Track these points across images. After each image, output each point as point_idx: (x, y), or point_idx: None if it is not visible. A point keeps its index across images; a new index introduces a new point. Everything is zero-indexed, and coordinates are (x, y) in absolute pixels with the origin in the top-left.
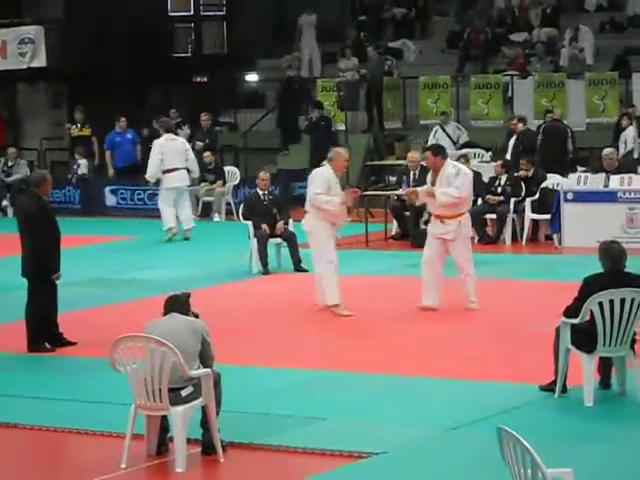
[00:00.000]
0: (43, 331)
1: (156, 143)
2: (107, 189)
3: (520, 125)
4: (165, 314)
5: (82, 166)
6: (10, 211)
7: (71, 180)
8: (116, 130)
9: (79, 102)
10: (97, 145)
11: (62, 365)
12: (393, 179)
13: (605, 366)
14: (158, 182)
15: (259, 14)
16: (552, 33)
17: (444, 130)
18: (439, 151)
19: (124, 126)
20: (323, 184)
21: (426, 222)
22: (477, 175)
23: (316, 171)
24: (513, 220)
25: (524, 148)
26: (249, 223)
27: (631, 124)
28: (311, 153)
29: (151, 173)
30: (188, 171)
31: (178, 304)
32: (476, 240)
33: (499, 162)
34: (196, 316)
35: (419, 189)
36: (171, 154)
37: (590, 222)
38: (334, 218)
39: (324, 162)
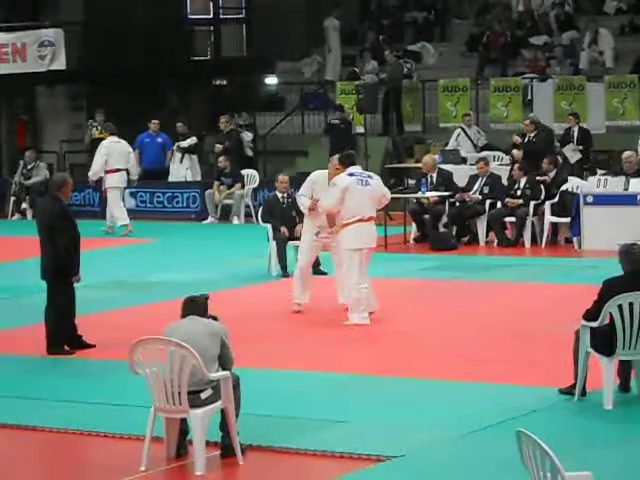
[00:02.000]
0: (62, 334)
1: (102, 145)
2: (127, 192)
3: (532, 128)
4: (183, 316)
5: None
6: (29, 213)
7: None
8: (148, 132)
9: (99, 105)
10: None
11: (81, 368)
12: (412, 182)
13: (625, 369)
14: (98, 181)
15: (278, 17)
16: (572, 36)
17: (466, 133)
18: (342, 161)
19: (156, 129)
20: (307, 185)
21: (445, 225)
22: (497, 178)
23: (312, 173)
24: (532, 223)
25: (531, 151)
26: (268, 226)
27: None
28: (330, 155)
29: (94, 172)
30: (128, 172)
31: (196, 306)
32: (495, 243)
33: (516, 165)
34: (214, 319)
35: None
36: (116, 155)
37: (610, 225)
38: (316, 219)
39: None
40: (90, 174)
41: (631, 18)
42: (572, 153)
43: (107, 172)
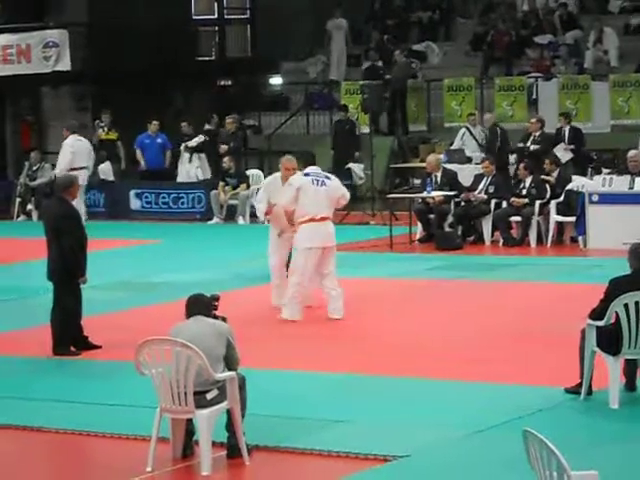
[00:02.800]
0: (69, 335)
1: (67, 143)
2: (132, 192)
3: (538, 127)
4: (188, 316)
5: (104, 171)
6: (35, 215)
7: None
8: (147, 132)
9: (104, 106)
10: (123, 149)
11: (87, 369)
12: (417, 182)
13: (630, 368)
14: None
15: (283, 17)
16: (576, 35)
17: (471, 132)
18: (298, 160)
19: (155, 129)
20: (262, 190)
21: (451, 225)
22: (502, 177)
23: (266, 178)
24: (538, 222)
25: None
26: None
27: None
28: (334, 155)
29: (62, 168)
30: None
31: (200, 305)
32: (501, 243)
33: (522, 165)
34: (224, 320)
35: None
36: (79, 153)
37: (615, 224)
38: (274, 222)
39: (349, 164)
40: (57, 172)
41: (635, 17)
42: (563, 153)
43: (71, 170)
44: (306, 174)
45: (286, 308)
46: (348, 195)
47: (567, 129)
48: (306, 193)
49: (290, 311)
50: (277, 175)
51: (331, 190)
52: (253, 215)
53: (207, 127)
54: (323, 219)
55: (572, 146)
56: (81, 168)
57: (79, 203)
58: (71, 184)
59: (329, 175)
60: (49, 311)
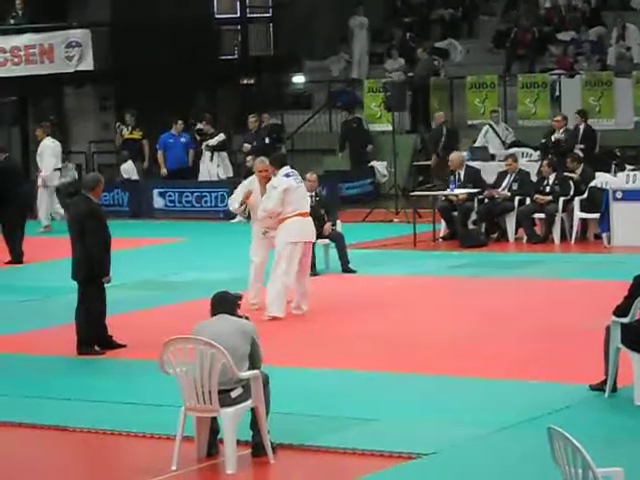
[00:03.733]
0: (93, 334)
1: (47, 145)
2: (155, 191)
3: (562, 124)
4: (213, 314)
5: (126, 171)
6: (59, 214)
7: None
8: (171, 132)
9: (128, 105)
10: (148, 148)
11: (112, 368)
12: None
13: None
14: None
15: (305, 15)
16: (599, 32)
17: (494, 130)
18: (273, 162)
19: (180, 129)
20: (240, 190)
21: (474, 222)
22: (526, 174)
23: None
24: (562, 219)
25: (561, 147)
26: None
27: None
28: (350, 155)
29: (49, 169)
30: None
31: (226, 303)
32: (525, 240)
33: (545, 162)
34: (247, 319)
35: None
36: (56, 155)
37: (639, 221)
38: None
39: (372, 162)
40: (45, 175)
41: None
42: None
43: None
44: (287, 175)
45: (273, 305)
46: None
47: (582, 127)
48: (292, 193)
49: (278, 308)
50: (253, 178)
51: (304, 186)
52: None
53: (199, 126)
54: (307, 214)
55: (582, 146)
56: (57, 169)
57: (52, 203)
58: (97, 183)
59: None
60: (73, 310)
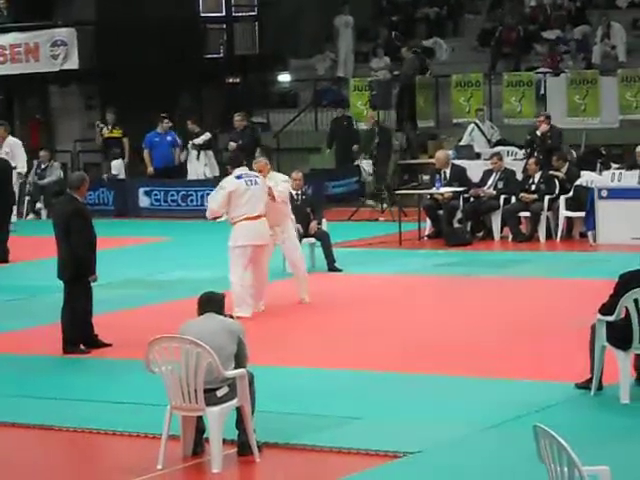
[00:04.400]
0: (78, 333)
1: (17, 143)
2: (141, 190)
3: (545, 123)
4: (200, 313)
5: (116, 167)
6: (44, 213)
7: (106, 179)
8: (157, 130)
9: (113, 104)
10: (128, 146)
11: (97, 367)
12: (426, 178)
13: None
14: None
15: (290, 14)
16: (584, 30)
17: (480, 128)
18: (230, 162)
19: (166, 127)
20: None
21: (460, 221)
22: (511, 173)
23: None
24: (547, 218)
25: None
26: None
27: None
28: (335, 152)
29: (24, 167)
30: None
31: (213, 303)
32: (510, 238)
33: (532, 160)
34: (231, 317)
35: None
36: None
37: (624, 219)
38: None
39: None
40: (21, 170)
41: None
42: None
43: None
44: (238, 176)
45: (237, 306)
46: (280, 189)
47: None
48: (241, 195)
49: (240, 308)
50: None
51: (262, 188)
52: None
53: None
54: (258, 217)
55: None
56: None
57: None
58: (82, 183)
59: (257, 174)
60: (58, 310)
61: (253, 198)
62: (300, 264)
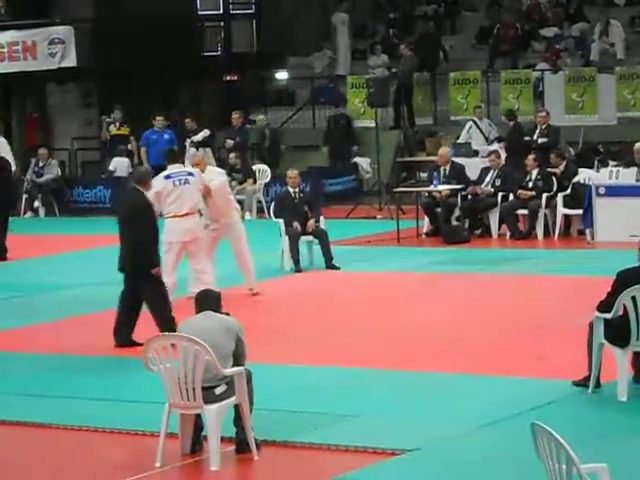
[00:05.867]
0: (131, 324)
1: (3, 142)
2: None
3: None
4: (198, 311)
5: (118, 165)
6: (42, 211)
7: (108, 177)
8: (154, 128)
9: (111, 102)
10: (136, 145)
11: (96, 365)
12: (424, 175)
13: (639, 360)
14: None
15: (288, 11)
16: (582, 27)
17: (478, 126)
18: (164, 157)
19: (161, 125)
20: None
21: (458, 218)
22: (509, 170)
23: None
24: (545, 215)
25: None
26: (280, 221)
27: None
28: (329, 150)
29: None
30: None
31: (210, 300)
32: (508, 236)
33: (531, 157)
34: (227, 315)
35: None
36: None
37: (622, 216)
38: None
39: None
40: (15, 169)
41: None
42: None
43: None
44: (167, 176)
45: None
46: (215, 183)
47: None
48: (169, 194)
49: None
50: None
51: (194, 185)
52: (260, 210)
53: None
54: (186, 215)
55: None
56: None
57: None
58: (148, 177)
59: (192, 171)
60: (57, 307)
61: (182, 196)
62: (245, 254)
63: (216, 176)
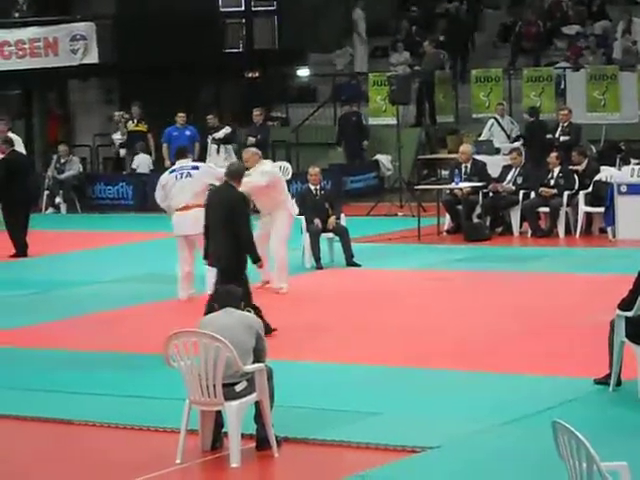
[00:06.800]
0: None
1: (18, 140)
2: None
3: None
4: (218, 308)
5: (139, 162)
6: (63, 207)
7: (130, 172)
8: (176, 125)
9: (132, 98)
10: (153, 141)
11: (116, 361)
12: (445, 173)
13: None
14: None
15: (310, 9)
16: (604, 25)
17: (499, 124)
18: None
19: (182, 122)
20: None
21: (479, 216)
22: (530, 168)
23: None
24: (567, 213)
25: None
26: (301, 218)
27: None
28: (344, 149)
29: None
30: None
31: (231, 298)
32: (529, 234)
33: (553, 154)
34: (249, 311)
35: None
36: None
37: None
38: None
39: (377, 156)
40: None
41: None
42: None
43: None
44: (171, 171)
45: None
46: (246, 180)
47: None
48: (171, 189)
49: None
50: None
51: (197, 180)
52: None
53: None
54: (186, 208)
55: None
56: None
57: None
58: (243, 173)
59: (199, 165)
60: (77, 304)
61: (182, 190)
62: (278, 255)
63: (256, 175)
